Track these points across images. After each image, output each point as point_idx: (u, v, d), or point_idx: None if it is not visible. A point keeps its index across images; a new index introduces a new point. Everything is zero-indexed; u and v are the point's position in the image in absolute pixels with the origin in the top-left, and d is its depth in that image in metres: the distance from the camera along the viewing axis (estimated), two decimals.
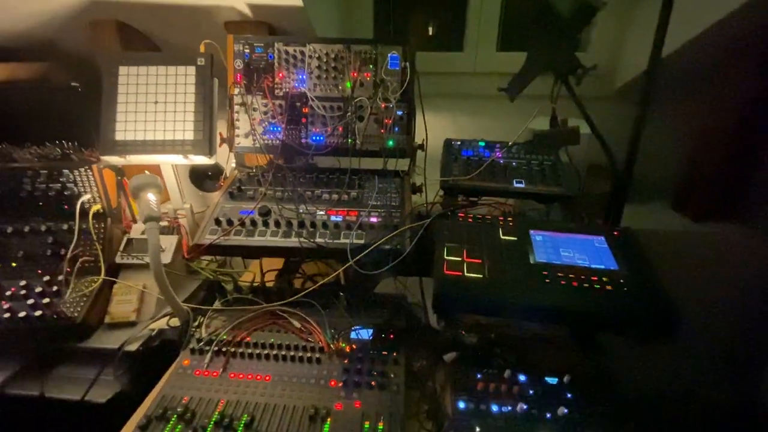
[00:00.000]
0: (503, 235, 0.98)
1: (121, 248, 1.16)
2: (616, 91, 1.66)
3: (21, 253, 1.07)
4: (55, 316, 0.98)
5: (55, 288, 1.03)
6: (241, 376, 0.88)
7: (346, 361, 0.91)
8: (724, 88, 0.95)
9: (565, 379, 0.86)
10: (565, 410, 0.78)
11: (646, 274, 0.88)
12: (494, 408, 0.80)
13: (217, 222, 1.03)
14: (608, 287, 0.84)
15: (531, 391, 0.84)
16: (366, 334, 0.98)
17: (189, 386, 0.86)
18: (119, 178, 1.21)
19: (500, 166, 1.25)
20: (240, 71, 1.21)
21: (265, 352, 0.93)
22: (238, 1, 1.30)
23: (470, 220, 1.04)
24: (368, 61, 1.19)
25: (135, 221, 1.28)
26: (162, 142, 1.13)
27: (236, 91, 1.21)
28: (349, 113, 1.20)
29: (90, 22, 1.44)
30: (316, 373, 0.89)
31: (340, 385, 0.86)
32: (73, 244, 1.06)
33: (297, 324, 1.00)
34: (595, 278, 0.86)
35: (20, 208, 1.12)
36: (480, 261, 0.90)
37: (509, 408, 0.80)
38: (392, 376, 0.88)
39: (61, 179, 1.13)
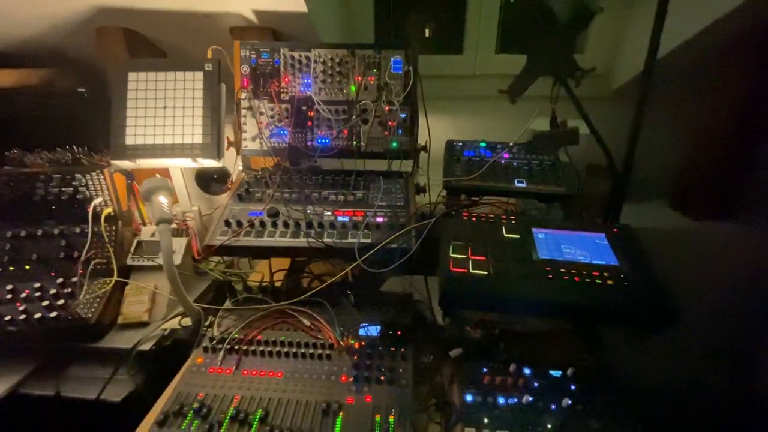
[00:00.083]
0: (506, 233, 1.01)
1: (132, 250, 1.19)
2: (614, 92, 1.69)
3: (34, 256, 1.10)
4: (70, 317, 1.00)
5: (68, 290, 1.06)
6: (254, 372, 0.91)
7: (355, 357, 0.94)
8: (718, 88, 0.98)
9: (569, 371, 0.89)
10: (570, 401, 0.81)
11: (646, 270, 0.91)
12: (501, 400, 0.83)
13: (227, 223, 1.06)
14: (609, 282, 0.87)
15: (536, 384, 0.87)
16: (374, 331, 1.01)
17: (204, 383, 0.88)
18: (129, 181, 1.23)
19: (501, 166, 1.28)
20: (247, 76, 1.24)
21: (277, 349, 0.95)
22: (244, 8, 1.33)
23: (474, 219, 1.07)
24: (372, 66, 1.22)
25: (144, 224, 1.31)
26: (171, 146, 1.15)
27: (243, 95, 1.23)
28: (354, 116, 1.22)
29: (97, 30, 1.47)
30: (326, 369, 0.91)
31: (351, 380, 0.88)
32: (86, 247, 1.08)
33: (306, 322, 1.02)
34: (597, 273, 0.89)
35: (34, 212, 1.14)
36: (485, 258, 0.93)
37: (515, 400, 0.83)
38: (400, 371, 0.91)
39: (73, 183, 1.15)
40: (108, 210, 1.15)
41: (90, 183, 1.16)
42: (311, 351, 0.95)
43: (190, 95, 1.18)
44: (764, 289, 0.76)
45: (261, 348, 0.95)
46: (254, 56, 1.24)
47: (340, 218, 1.09)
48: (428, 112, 1.25)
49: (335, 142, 1.24)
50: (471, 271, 0.91)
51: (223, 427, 0.79)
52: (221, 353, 0.95)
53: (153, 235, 1.23)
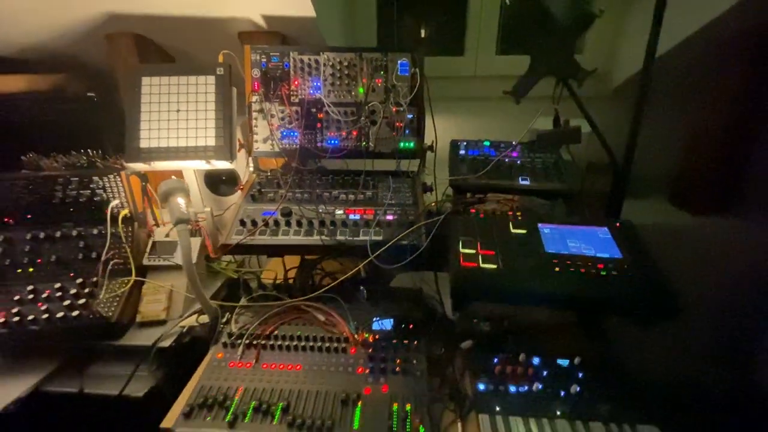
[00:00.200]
0: (513, 228, 1.05)
1: (148, 250, 1.22)
2: (614, 91, 1.73)
3: (54, 257, 1.12)
4: (91, 316, 1.03)
5: (88, 289, 1.08)
6: (273, 366, 0.94)
7: (370, 350, 0.97)
8: (716, 86, 1.02)
9: (576, 360, 0.92)
10: (578, 388, 0.85)
11: (648, 262, 0.95)
12: (512, 388, 0.87)
13: (242, 223, 1.09)
14: (614, 273, 0.91)
15: (545, 372, 0.90)
16: (387, 324, 1.04)
17: (225, 377, 0.92)
18: (143, 183, 1.26)
19: (506, 164, 1.32)
20: (257, 79, 1.27)
21: (294, 343, 0.98)
22: (253, 13, 1.36)
23: (482, 215, 1.10)
24: (379, 68, 1.26)
25: (157, 225, 1.34)
26: (185, 148, 1.18)
27: (254, 98, 1.27)
28: (362, 117, 1.26)
29: (106, 35, 1.50)
30: (343, 361, 0.95)
31: (367, 371, 0.92)
32: (106, 248, 1.11)
33: (321, 317, 1.06)
34: (602, 266, 0.93)
35: (52, 214, 1.17)
36: (493, 253, 0.97)
37: (526, 388, 0.87)
38: (414, 362, 0.94)
39: (90, 186, 1.18)
40: (125, 211, 1.18)
41: (107, 185, 1.19)
42: (327, 345, 0.98)
43: (202, 99, 1.21)
44: (760, 281, 0.80)
45: (279, 342, 0.99)
46: (264, 60, 1.27)
47: (351, 216, 1.12)
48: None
49: (344, 142, 1.27)
50: (481, 265, 0.94)
51: (247, 417, 0.82)
52: (240, 348, 0.98)
53: (167, 235, 1.26)
